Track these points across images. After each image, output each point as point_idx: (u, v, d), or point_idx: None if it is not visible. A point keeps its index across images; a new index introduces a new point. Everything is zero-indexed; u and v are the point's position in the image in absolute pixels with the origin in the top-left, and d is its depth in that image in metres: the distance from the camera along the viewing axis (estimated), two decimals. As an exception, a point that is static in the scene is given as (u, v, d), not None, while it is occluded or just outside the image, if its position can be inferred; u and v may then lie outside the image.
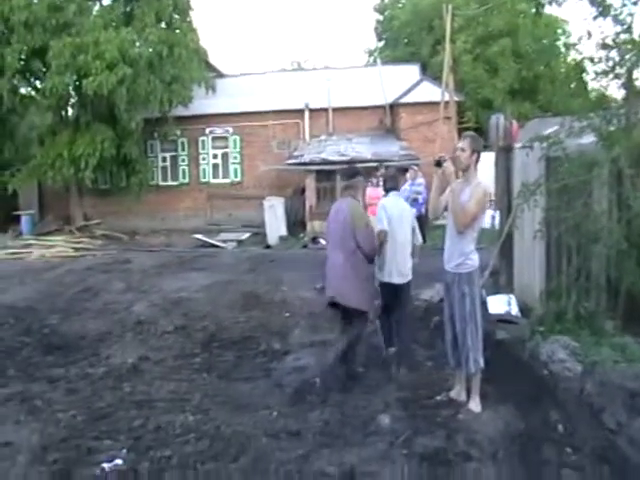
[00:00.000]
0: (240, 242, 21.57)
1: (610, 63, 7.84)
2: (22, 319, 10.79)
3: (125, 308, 11.42)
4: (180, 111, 23.96)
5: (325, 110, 25.37)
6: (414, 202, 15.49)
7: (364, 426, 6.00)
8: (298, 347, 8.68)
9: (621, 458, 5.26)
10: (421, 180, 17.22)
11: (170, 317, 10.59)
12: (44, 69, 22.05)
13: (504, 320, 8.52)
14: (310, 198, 22.25)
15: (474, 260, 6.18)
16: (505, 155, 10.28)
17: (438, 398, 6.54)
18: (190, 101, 23.58)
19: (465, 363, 6.21)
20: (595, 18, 7.89)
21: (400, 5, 39.52)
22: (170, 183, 26.80)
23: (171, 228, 25.02)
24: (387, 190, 8.34)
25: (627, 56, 7.71)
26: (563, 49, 32.95)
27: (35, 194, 26.74)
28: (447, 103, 21.53)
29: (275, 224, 21.70)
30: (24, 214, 24.93)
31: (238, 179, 26.35)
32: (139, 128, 22.74)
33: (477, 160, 6.17)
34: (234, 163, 26.39)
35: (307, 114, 25.49)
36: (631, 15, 7.79)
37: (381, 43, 41.80)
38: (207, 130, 26.47)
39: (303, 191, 22.78)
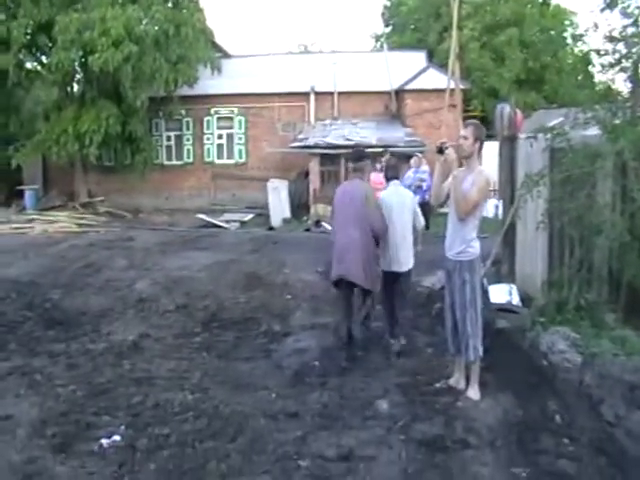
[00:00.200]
0: (243, 223, 21.57)
1: (617, 56, 7.83)
2: (24, 293, 10.82)
3: (127, 285, 11.44)
4: (185, 90, 23.90)
5: (331, 94, 25.32)
6: (418, 189, 15.51)
7: (362, 410, 6.02)
8: (299, 329, 8.70)
9: (618, 450, 5.28)
10: (425, 167, 17.20)
11: (172, 296, 10.62)
12: (50, 44, 21.99)
13: (505, 309, 8.54)
14: (314, 181, 22.25)
15: (475, 248, 6.19)
16: (509, 145, 10.26)
17: (437, 385, 6.56)
18: (195, 81, 23.54)
19: (465, 351, 6.24)
20: (602, 10, 7.88)
21: (408, -9, 39.34)
22: (174, 162, 26.77)
23: (175, 207, 25.02)
24: (388, 179, 8.39)
25: (634, 49, 7.71)
26: (570, 40, 32.87)
27: (39, 169, 26.73)
28: (453, 91, 21.45)
29: (279, 206, 21.69)
30: (28, 189, 24.93)
31: (242, 160, 26.32)
32: (144, 106, 22.71)
33: (480, 148, 6.15)
34: (239, 144, 26.37)
35: (313, 97, 25.43)
36: (639, 8, 7.76)
37: (388, 29, 41.64)
38: (212, 110, 26.42)
39: (307, 174, 22.77)
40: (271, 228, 20.48)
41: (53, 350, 7.95)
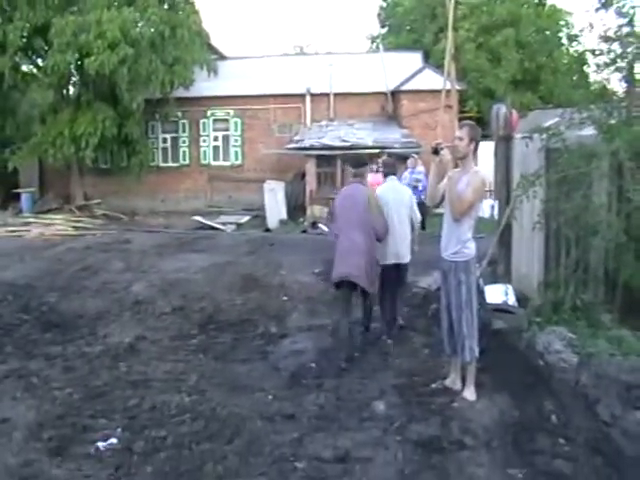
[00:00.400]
0: (240, 225, 21.57)
1: (612, 56, 7.84)
2: (21, 296, 10.81)
3: (124, 288, 11.43)
4: (181, 92, 23.90)
5: (327, 95, 25.33)
6: (414, 189, 15.49)
7: (359, 411, 6.03)
8: (295, 331, 8.72)
9: (614, 450, 5.29)
10: (421, 168, 17.23)
11: (168, 298, 10.61)
12: (46, 47, 21.99)
13: (501, 310, 8.55)
14: (310, 183, 22.27)
15: (471, 248, 6.19)
16: (505, 145, 10.27)
17: (433, 386, 6.57)
18: (191, 83, 23.54)
19: (461, 351, 6.25)
20: (597, 10, 7.89)
21: (403, -8, 39.37)
22: (170, 164, 26.77)
23: (171, 209, 25.03)
24: (385, 175, 8.77)
25: (629, 49, 7.71)
26: (565, 41, 32.93)
27: (36, 172, 26.72)
28: (449, 91, 21.44)
29: (275, 208, 21.70)
30: (24, 192, 24.90)
31: (239, 162, 26.33)
32: (140, 108, 22.70)
33: (475, 149, 6.17)
34: (235, 146, 26.37)
35: (308, 99, 25.46)
36: (633, 8, 7.78)
37: (384, 30, 41.65)
38: (208, 112, 26.41)
39: (303, 176, 22.78)
40: (267, 230, 20.48)
41: (50, 353, 7.95)
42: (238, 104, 25.94)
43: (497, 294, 8.93)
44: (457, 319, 6.19)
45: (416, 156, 17.85)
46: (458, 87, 22.39)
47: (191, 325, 9.12)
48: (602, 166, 7.62)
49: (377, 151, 19.34)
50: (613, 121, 7.64)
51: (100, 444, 5.48)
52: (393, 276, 8.36)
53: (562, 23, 32.85)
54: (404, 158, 18.02)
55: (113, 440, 5.55)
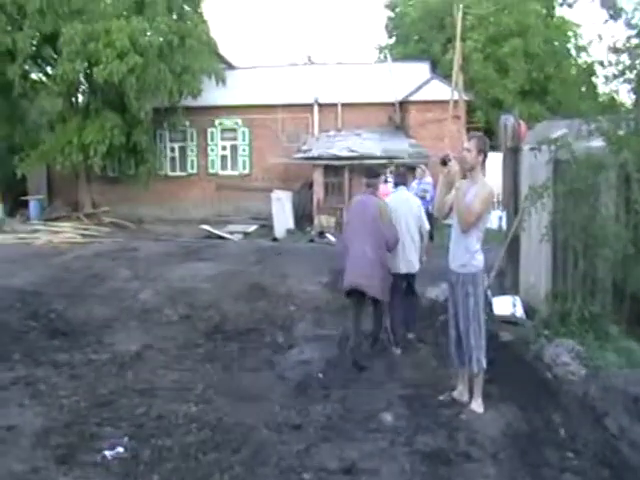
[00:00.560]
0: (247, 234, 21.58)
1: (620, 67, 7.85)
2: (29, 303, 10.83)
3: (131, 296, 11.44)
4: (189, 101, 23.94)
5: (334, 105, 25.35)
6: (422, 200, 15.47)
7: (366, 422, 6.02)
8: (302, 341, 8.73)
9: (623, 463, 5.27)
10: (429, 179, 17.21)
11: (175, 306, 10.62)
12: (55, 55, 22.07)
13: (509, 321, 8.54)
14: (318, 192, 22.27)
15: (479, 260, 6.19)
16: (513, 156, 10.26)
17: (441, 397, 6.55)
18: (199, 92, 23.57)
19: (468, 363, 6.24)
20: (606, 22, 7.90)
21: (411, 2, 39.26)
22: (178, 173, 26.81)
23: (178, 218, 25.03)
24: (396, 185, 8.98)
25: (637, 61, 7.72)
26: (574, 51, 32.88)
27: (44, 179, 26.79)
28: (456, 102, 21.48)
29: (282, 217, 21.70)
30: (32, 199, 24.99)
31: (246, 171, 26.35)
32: (148, 117, 22.77)
33: (483, 160, 6.17)
34: (243, 155, 26.39)
35: (316, 109, 25.48)
36: (643, 19, 7.78)
37: (392, 40, 41.65)
38: (216, 121, 26.45)
39: (311, 185, 22.78)
40: (275, 239, 20.46)
41: (57, 360, 7.98)
42: (246, 113, 25.96)
43: (505, 306, 8.93)
44: (465, 331, 6.18)
45: (424, 166, 17.84)
46: (466, 97, 22.46)
47: (198, 334, 9.14)
48: (610, 177, 7.63)
49: (385, 161, 19.33)
50: (621, 132, 7.63)
51: (107, 452, 5.49)
52: (404, 285, 8.52)
53: (570, 34, 32.81)
54: (411, 168, 18.02)
55: (120, 449, 5.55)
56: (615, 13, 7.80)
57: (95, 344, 8.67)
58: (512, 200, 10.10)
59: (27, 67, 22.47)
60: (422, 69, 26.15)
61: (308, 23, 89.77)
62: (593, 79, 10.63)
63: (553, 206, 8.15)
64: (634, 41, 7.72)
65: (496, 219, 15.01)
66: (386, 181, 14.85)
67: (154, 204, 25.61)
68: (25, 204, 24.89)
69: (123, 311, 10.44)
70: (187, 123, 25.85)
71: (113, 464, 5.32)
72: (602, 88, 9.45)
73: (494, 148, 9.77)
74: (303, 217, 22.49)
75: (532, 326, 8.20)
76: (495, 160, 10.42)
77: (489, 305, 8.58)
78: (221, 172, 26.57)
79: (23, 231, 20.95)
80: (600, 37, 7.96)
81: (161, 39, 21.95)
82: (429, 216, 10.10)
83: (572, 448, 5.50)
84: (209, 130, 26.55)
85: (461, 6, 21.85)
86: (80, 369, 7.66)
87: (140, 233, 22.09)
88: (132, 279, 12.97)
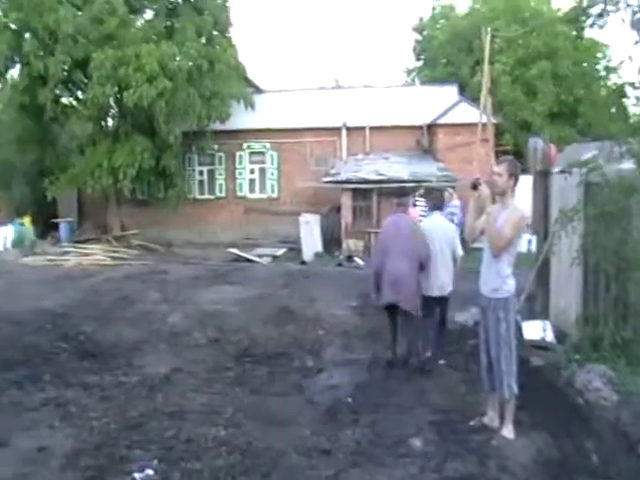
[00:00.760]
0: (275, 257, 21.59)
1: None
2: (59, 325, 10.94)
3: (160, 319, 11.50)
4: (218, 125, 24.09)
5: (362, 129, 25.40)
6: (449, 223, 15.48)
7: (396, 447, 5.98)
8: (331, 365, 8.70)
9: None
10: (456, 202, 17.20)
11: (204, 329, 10.64)
12: (86, 80, 22.35)
13: (539, 346, 8.47)
14: (346, 216, 22.25)
15: (510, 285, 6.14)
16: (543, 179, 10.23)
17: (471, 423, 6.49)
18: (228, 117, 23.73)
19: (499, 388, 6.18)
20: (637, 43, 7.85)
21: (439, 25, 39.47)
22: (207, 196, 26.95)
23: (207, 241, 25.11)
24: (431, 209, 9.34)
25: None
26: (603, 73, 32.75)
27: (74, 202, 27.08)
28: (485, 125, 21.45)
29: (311, 241, 21.69)
30: (63, 221, 25.26)
31: (275, 195, 26.43)
32: (177, 141, 22.94)
33: (515, 184, 6.14)
34: (271, 178, 26.49)
35: (344, 132, 25.54)
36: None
37: (419, 63, 41.79)
38: (244, 145, 26.60)
39: (339, 209, 22.78)
40: (303, 262, 20.44)
41: (87, 382, 8.02)
42: (274, 137, 26.08)
43: (535, 330, 8.85)
44: (496, 356, 6.13)
45: (451, 190, 17.82)
46: (494, 120, 22.44)
47: (227, 357, 9.13)
48: (642, 200, 7.56)
49: (413, 185, 19.32)
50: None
51: (137, 475, 5.50)
52: (436, 308, 8.68)
53: (600, 56, 32.70)
54: (439, 192, 17.99)
55: (149, 471, 5.56)
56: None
57: (125, 366, 8.70)
58: (542, 223, 10.05)
59: (58, 91, 22.78)
60: (450, 92, 26.17)
61: (336, 46, 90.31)
62: (624, 100, 10.58)
63: (584, 229, 8.09)
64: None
65: (525, 242, 14.92)
66: (414, 205, 14.85)
67: (183, 227, 25.74)
68: (55, 226, 25.15)
69: (152, 334, 10.48)
70: (216, 147, 26.01)
71: (143, 487, 5.33)
72: (633, 109, 9.42)
73: (523, 171, 9.74)
74: (331, 241, 22.47)
75: (563, 351, 8.13)
76: (525, 183, 10.37)
77: (518, 330, 8.51)
78: (249, 195, 26.69)
79: (53, 253, 21.16)
80: (630, 58, 7.92)
81: (190, 63, 22.19)
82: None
83: (605, 475, 5.44)
84: (237, 154, 26.70)
85: (489, 29, 21.89)
86: (110, 391, 7.70)
87: (169, 256, 22.19)
88: (161, 302, 13.03)
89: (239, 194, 26.74)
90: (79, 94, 23.95)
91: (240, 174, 26.77)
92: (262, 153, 26.59)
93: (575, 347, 8.03)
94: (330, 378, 8.12)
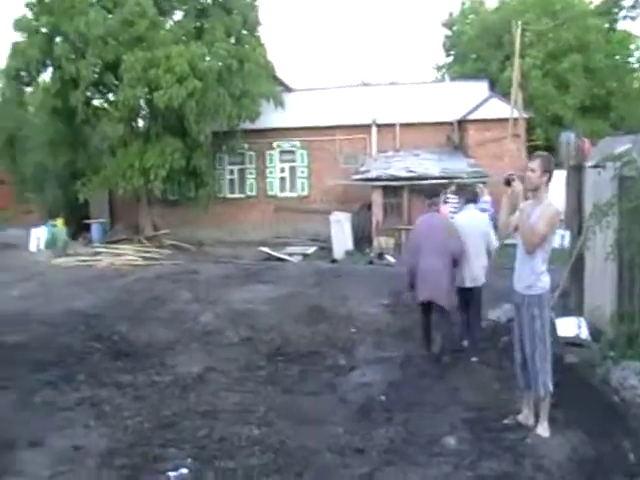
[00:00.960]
0: (306, 256, 21.57)
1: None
2: (92, 325, 11.05)
3: (192, 318, 11.56)
4: (248, 124, 24.13)
5: (392, 126, 25.30)
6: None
7: (429, 446, 5.95)
8: (363, 363, 8.67)
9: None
10: (487, 198, 17.04)
11: (236, 328, 10.68)
12: (116, 82, 22.49)
13: (573, 343, 8.37)
14: (377, 214, 22.15)
15: (545, 282, 6.07)
16: (576, 174, 10.11)
17: (505, 421, 6.43)
18: (258, 116, 23.75)
19: (534, 386, 6.12)
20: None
21: (468, 20, 39.20)
22: (237, 195, 27.03)
23: (238, 240, 25.16)
24: (465, 203, 9.48)
25: None
26: (637, 65, 32.36)
27: (106, 203, 27.30)
28: (516, 120, 21.28)
29: (341, 239, 21.64)
30: (95, 222, 25.48)
31: (305, 193, 26.44)
32: (208, 141, 23.00)
33: (548, 180, 6.08)
34: (301, 177, 26.50)
35: (374, 129, 25.47)
36: None
37: (449, 59, 41.58)
38: (274, 144, 26.65)
39: (370, 207, 22.70)
40: (334, 261, 20.41)
41: (121, 381, 8.08)
42: (304, 136, 26.09)
43: (569, 327, 8.74)
44: (530, 353, 6.07)
45: (482, 185, 17.68)
46: (525, 115, 22.26)
47: (259, 356, 9.15)
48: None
49: (444, 181, 19.21)
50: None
51: (171, 474, 5.53)
52: (468, 298, 8.93)
53: (633, 48, 32.29)
54: (469, 187, 17.86)
55: (183, 470, 5.59)
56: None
57: (158, 366, 8.76)
58: (576, 219, 9.93)
59: (89, 94, 22.95)
60: (480, 88, 25.96)
61: (365, 44, 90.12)
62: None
63: (618, 224, 7.99)
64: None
65: (558, 238, 14.78)
66: (446, 202, 14.76)
67: (213, 226, 25.82)
68: (87, 227, 25.38)
69: (184, 333, 10.53)
70: (246, 146, 26.06)
71: (177, 486, 5.36)
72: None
73: (556, 166, 9.64)
74: (362, 239, 22.39)
75: (598, 348, 8.03)
76: (558, 178, 10.28)
77: (552, 326, 8.43)
78: (280, 194, 26.71)
79: (85, 254, 21.35)
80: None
81: (220, 64, 22.23)
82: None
83: (642, 474, 5.35)
84: (267, 152, 26.74)
85: (519, 23, 21.71)
86: (143, 390, 7.75)
87: (200, 255, 22.26)
88: (193, 301, 13.11)
89: (269, 193, 26.78)
90: (110, 96, 24.10)
91: (270, 173, 26.82)
92: (292, 152, 26.61)
93: (610, 344, 7.93)
94: (362, 376, 8.09)
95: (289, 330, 10.53)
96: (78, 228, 25.40)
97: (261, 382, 8.02)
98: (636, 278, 8.07)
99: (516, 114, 21.24)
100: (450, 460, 5.66)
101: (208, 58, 22.15)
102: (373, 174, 22.59)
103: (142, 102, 22.87)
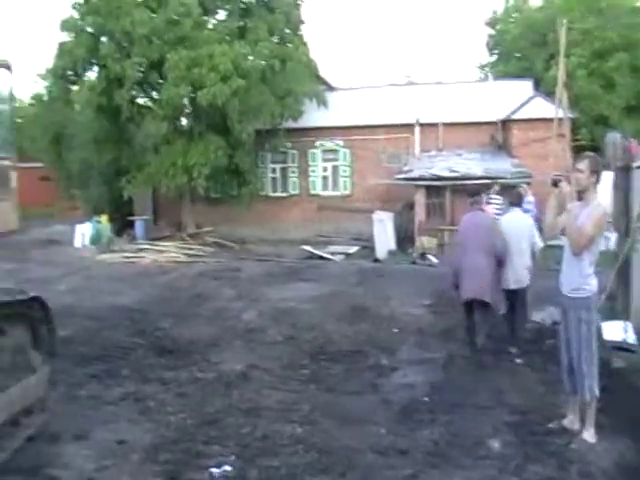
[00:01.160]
0: (348, 255, 21.52)
1: None
2: (136, 321, 11.18)
3: (234, 315, 11.63)
4: (290, 123, 24.17)
5: (435, 125, 25.16)
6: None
7: (473, 449, 5.90)
8: (406, 364, 8.66)
9: None
10: (531, 198, 16.88)
11: (279, 327, 10.73)
12: (161, 81, 22.68)
13: (620, 348, 8.25)
14: (419, 214, 22.05)
15: (592, 285, 5.99)
16: (623, 175, 9.97)
17: (550, 425, 6.36)
18: (301, 115, 23.79)
19: (580, 391, 6.04)
20: None
21: (512, 19, 38.80)
22: (280, 194, 27.12)
23: (280, 238, 25.19)
24: (510, 205, 9.62)
25: None
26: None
27: (149, 200, 27.53)
28: (561, 120, 21.00)
29: (384, 238, 21.58)
30: (138, 219, 25.72)
31: (348, 192, 26.40)
32: (250, 139, 23.08)
33: (597, 181, 6.00)
34: (344, 176, 26.47)
35: (417, 129, 25.35)
36: None
37: (493, 58, 41.22)
38: (317, 143, 26.66)
39: (412, 206, 22.61)
40: (376, 260, 20.36)
41: (164, 377, 8.16)
42: (347, 135, 26.06)
43: (616, 331, 8.61)
44: (577, 357, 5.99)
45: (525, 186, 17.51)
46: (570, 115, 21.91)
47: (302, 355, 9.16)
48: None
49: (488, 182, 19.05)
50: None
51: (214, 470, 5.56)
52: (513, 300, 8.98)
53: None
54: (513, 188, 17.70)
55: (227, 467, 5.61)
56: None
57: (201, 362, 8.81)
58: (623, 220, 9.78)
59: (134, 92, 23.17)
60: (524, 87, 25.70)
61: (408, 43, 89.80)
62: None
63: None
64: None
65: (603, 239, 14.57)
66: (488, 202, 14.65)
67: (255, 224, 25.90)
68: (131, 224, 25.64)
69: (227, 330, 10.60)
70: (288, 145, 26.09)
71: (220, 483, 5.39)
72: None
73: (603, 167, 9.53)
74: (405, 238, 22.30)
75: (645, 353, 7.91)
76: (605, 179, 10.15)
77: (598, 330, 8.32)
78: (322, 193, 26.72)
79: (129, 250, 21.59)
80: None
81: (263, 62, 22.30)
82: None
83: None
84: (310, 151, 26.77)
85: (565, 21, 21.41)
86: (187, 387, 7.80)
87: (242, 253, 22.35)
88: (235, 299, 13.18)
89: (312, 191, 26.79)
90: (154, 94, 24.31)
91: (313, 172, 26.84)
92: (335, 151, 26.60)
93: (658, 348, 7.81)
94: (405, 377, 8.08)
95: (331, 329, 10.54)
96: (122, 225, 25.65)
97: (304, 381, 8.03)
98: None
99: (561, 114, 20.91)
100: (494, 464, 5.62)
101: (251, 57, 22.21)
102: (416, 174, 22.48)
103: (186, 100, 22.99)
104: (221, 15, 24.88)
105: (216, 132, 22.84)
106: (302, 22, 25.17)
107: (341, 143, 26.35)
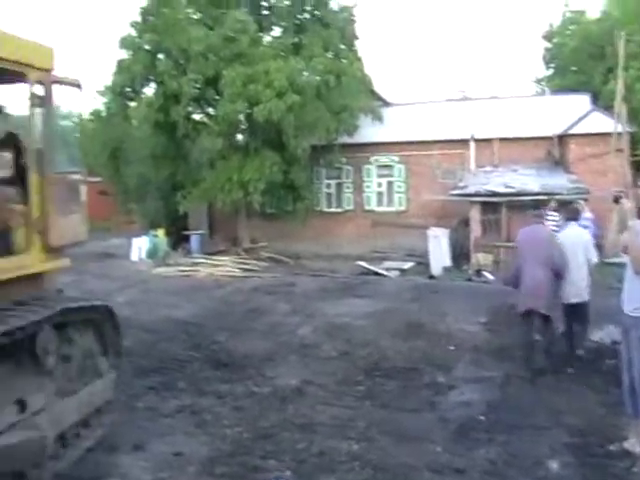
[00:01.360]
0: (403, 271, 21.39)
1: None
2: (192, 334, 11.31)
3: (289, 330, 11.67)
4: (345, 139, 24.19)
5: (490, 140, 24.93)
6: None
7: (532, 469, 5.83)
8: (462, 382, 8.60)
9: None
10: (588, 214, 16.60)
11: (333, 342, 10.73)
12: (217, 97, 22.93)
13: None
14: (475, 230, 21.83)
15: (655, 304, 5.87)
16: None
17: (611, 447, 6.24)
18: (356, 130, 23.83)
19: (642, 412, 5.92)
20: None
21: (569, 32, 38.32)
22: (334, 209, 27.12)
23: (334, 254, 25.13)
24: (567, 220, 9.79)
25: None
26: None
27: (205, 215, 27.78)
28: (619, 134, 20.66)
29: (439, 255, 21.42)
30: (194, 233, 25.98)
31: (402, 207, 26.27)
32: (306, 155, 23.16)
33: (659, 198, 5.90)
34: (398, 191, 26.36)
35: (472, 144, 25.16)
36: None
37: (549, 71, 40.77)
38: (372, 158, 26.61)
39: (467, 222, 22.42)
40: (431, 277, 20.19)
41: (220, 391, 8.25)
42: (402, 150, 25.95)
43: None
44: (638, 378, 5.87)
45: (582, 202, 17.24)
46: (629, 129, 21.55)
47: (357, 371, 9.15)
48: None
49: (544, 198, 18.80)
50: None
51: (272, 484, 5.58)
52: (574, 315, 9.13)
53: None
54: (570, 204, 17.43)
55: (284, 482, 5.63)
56: None
57: (256, 377, 8.88)
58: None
59: (190, 108, 23.43)
60: (582, 101, 25.33)
61: (463, 57, 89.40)
62: None
63: None
64: None
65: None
66: (545, 219, 14.46)
67: (310, 240, 25.91)
68: (187, 238, 25.91)
69: (282, 345, 10.64)
70: (343, 160, 26.04)
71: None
72: None
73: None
74: (460, 255, 22.07)
75: None
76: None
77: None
78: (377, 208, 26.65)
79: (185, 264, 21.81)
80: None
81: (318, 78, 22.41)
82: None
83: None
84: (365, 167, 26.70)
85: (623, 33, 21.11)
86: (242, 401, 7.87)
87: (297, 268, 22.38)
88: (290, 314, 13.22)
89: (367, 207, 26.72)
90: (210, 110, 24.56)
91: (368, 187, 26.77)
92: (390, 166, 26.52)
93: None
94: (461, 395, 8.02)
95: (386, 345, 10.50)
96: (177, 239, 25.93)
97: (359, 397, 8.03)
98: None
99: (619, 128, 20.62)
100: (553, 485, 5.53)
101: (306, 73, 22.33)
102: (471, 189, 22.29)
103: (241, 116, 23.20)
104: (276, 32, 25.09)
105: (271, 148, 22.97)
106: (356, 37, 25.20)
107: (396, 159, 26.26)
